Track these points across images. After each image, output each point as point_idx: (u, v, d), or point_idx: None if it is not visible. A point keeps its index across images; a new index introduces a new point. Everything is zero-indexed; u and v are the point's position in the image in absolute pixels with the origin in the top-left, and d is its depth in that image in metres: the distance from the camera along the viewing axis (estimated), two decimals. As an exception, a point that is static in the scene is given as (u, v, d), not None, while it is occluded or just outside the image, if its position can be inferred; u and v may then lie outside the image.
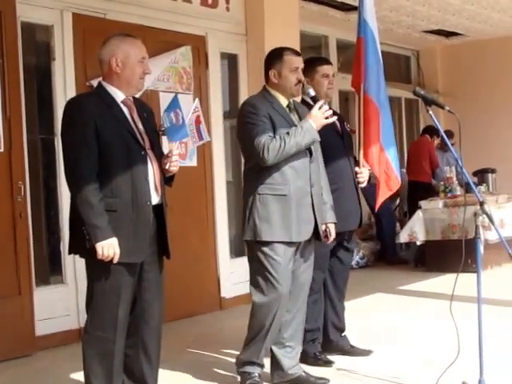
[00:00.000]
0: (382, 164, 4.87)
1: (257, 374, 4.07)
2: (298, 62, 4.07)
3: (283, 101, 4.06)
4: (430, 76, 11.72)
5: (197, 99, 4.96)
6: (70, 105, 3.47)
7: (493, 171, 9.60)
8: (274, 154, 3.81)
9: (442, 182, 9.03)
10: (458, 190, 8.82)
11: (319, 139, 3.99)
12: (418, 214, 8.49)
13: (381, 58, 5.04)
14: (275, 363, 4.13)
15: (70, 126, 3.38)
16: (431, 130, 9.77)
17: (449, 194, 8.76)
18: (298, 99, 4.38)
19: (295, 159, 3.92)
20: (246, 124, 3.93)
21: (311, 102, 4.12)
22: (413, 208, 8.89)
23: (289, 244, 3.93)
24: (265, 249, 3.92)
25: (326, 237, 4.19)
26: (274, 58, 4.08)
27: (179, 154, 3.63)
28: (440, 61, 11.81)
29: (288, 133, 3.85)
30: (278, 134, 3.85)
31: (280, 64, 4.03)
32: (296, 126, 3.93)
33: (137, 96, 3.68)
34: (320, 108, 3.92)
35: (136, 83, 3.50)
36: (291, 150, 3.84)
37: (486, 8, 9.27)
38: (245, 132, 3.94)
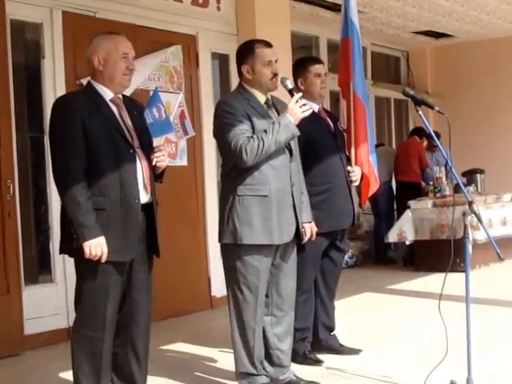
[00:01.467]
0: (367, 164, 4.91)
1: None
2: (271, 55, 3.86)
3: (261, 97, 3.89)
4: (419, 77, 11.76)
5: (181, 93, 4.87)
6: (58, 103, 3.46)
7: (481, 172, 9.64)
8: (254, 155, 3.66)
9: (431, 183, 9.07)
10: (447, 190, 8.87)
11: (298, 133, 3.82)
12: (407, 213, 8.52)
13: (361, 58, 5.08)
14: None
15: (58, 125, 3.37)
16: (420, 131, 9.81)
17: (438, 194, 8.80)
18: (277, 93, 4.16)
19: (275, 158, 3.76)
20: (222, 125, 3.76)
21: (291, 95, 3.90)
22: (402, 208, 8.92)
23: (269, 247, 3.82)
24: (243, 254, 3.79)
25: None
26: (245, 52, 3.88)
27: (169, 153, 3.61)
28: (429, 62, 11.85)
29: (266, 131, 3.70)
30: (256, 133, 3.71)
31: (252, 59, 3.83)
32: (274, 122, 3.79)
33: (127, 94, 3.68)
34: (297, 101, 3.76)
35: (120, 80, 3.46)
36: (270, 149, 3.69)
37: (476, 10, 9.32)
38: (222, 133, 3.76)
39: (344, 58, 5.03)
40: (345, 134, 4.94)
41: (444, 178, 8.98)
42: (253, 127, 3.75)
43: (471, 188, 9.06)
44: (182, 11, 6.60)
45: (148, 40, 6.07)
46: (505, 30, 10.49)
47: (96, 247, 3.28)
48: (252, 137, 3.70)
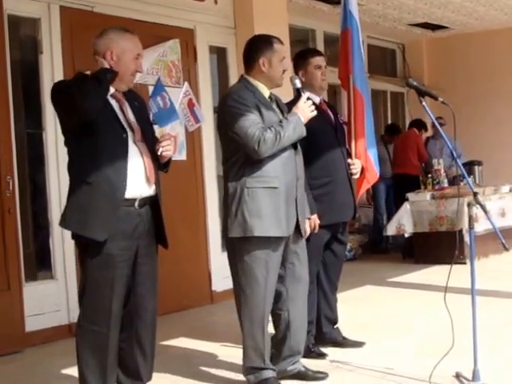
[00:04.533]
0: (364, 157, 4.91)
1: (273, 379, 3.93)
2: (285, 52, 3.99)
3: (265, 91, 3.91)
4: (415, 69, 11.74)
5: (186, 83, 4.92)
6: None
7: (479, 163, 9.64)
8: (269, 147, 3.69)
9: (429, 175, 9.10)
10: (446, 182, 8.88)
11: (305, 134, 3.87)
12: (406, 206, 8.51)
13: (362, 50, 5.07)
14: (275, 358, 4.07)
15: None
16: (419, 124, 9.84)
17: (436, 186, 8.80)
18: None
19: (283, 152, 3.79)
20: (233, 115, 3.74)
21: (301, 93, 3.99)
22: (400, 200, 8.92)
23: (278, 240, 3.81)
24: (251, 247, 3.77)
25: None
26: (264, 45, 3.91)
27: (173, 135, 3.59)
28: (426, 54, 11.84)
29: (281, 125, 3.74)
30: (268, 126, 3.73)
31: (271, 53, 3.88)
32: (280, 117, 3.85)
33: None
34: (305, 101, 3.85)
35: (127, 80, 3.48)
36: (284, 145, 3.75)
37: (472, 1, 9.32)
38: (233, 124, 3.73)
39: (343, 50, 5.01)
40: (345, 126, 4.93)
41: (442, 170, 9.00)
42: (262, 119, 3.78)
43: (470, 180, 9.05)
44: (179, 5, 6.57)
45: (146, 34, 5.96)
46: (501, 21, 10.48)
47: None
48: (270, 128, 3.72)
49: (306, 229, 4.08)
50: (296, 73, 4.55)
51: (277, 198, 3.77)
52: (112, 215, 3.33)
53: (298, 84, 3.99)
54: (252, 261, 3.79)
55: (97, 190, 3.31)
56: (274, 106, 3.94)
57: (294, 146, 3.88)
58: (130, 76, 3.48)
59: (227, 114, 3.81)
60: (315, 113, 3.89)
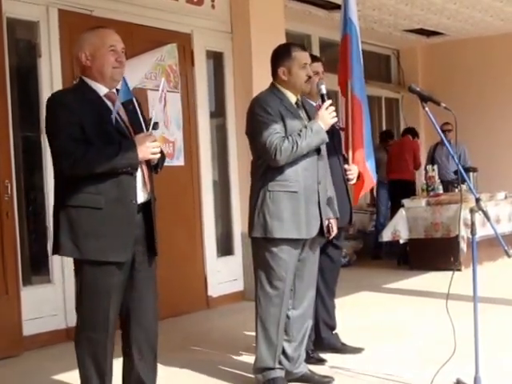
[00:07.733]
0: (362, 162, 4.92)
1: (280, 379, 4.01)
2: (307, 58, 4.04)
3: (292, 97, 4.03)
4: (410, 75, 11.77)
5: (163, 79, 5.04)
6: (53, 103, 3.32)
7: (474, 170, 9.67)
8: (286, 156, 3.81)
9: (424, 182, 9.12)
10: (441, 189, 8.90)
11: (327, 140, 3.99)
12: (401, 212, 8.52)
13: (361, 57, 5.09)
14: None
15: (53, 120, 3.26)
16: (412, 131, 9.90)
17: (431, 193, 8.82)
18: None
19: (305, 157, 3.91)
20: (257, 122, 3.89)
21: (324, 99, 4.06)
22: (395, 206, 8.94)
23: (297, 241, 3.93)
24: (272, 247, 3.91)
25: (328, 232, 4.17)
26: (283, 55, 4.01)
27: (167, 152, 3.53)
28: (420, 60, 11.88)
29: (299, 134, 3.84)
30: (289, 134, 3.84)
31: (289, 61, 3.98)
32: (305, 124, 3.94)
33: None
34: (327, 108, 3.95)
35: (110, 73, 3.34)
36: (302, 152, 3.86)
37: (468, 7, 9.35)
38: (257, 131, 3.89)
39: (343, 57, 5.04)
40: (342, 132, 4.94)
41: (437, 177, 9.02)
42: (285, 127, 3.90)
43: (464, 186, 9.07)
44: (177, 9, 6.58)
45: (144, 38, 6.05)
46: (496, 27, 10.52)
47: (145, 149, 3.25)
48: (287, 138, 3.84)
49: (334, 228, 4.20)
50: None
51: (296, 202, 3.90)
52: (130, 235, 3.32)
53: (323, 90, 4.07)
54: (273, 260, 3.93)
55: (109, 215, 3.25)
56: (300, 112, 4.05)
57: (317, 150, 4.00)
58: (113, 69, 3.33)
59: (253, 120, 3.97)
60: (336, 119, 4.00)
